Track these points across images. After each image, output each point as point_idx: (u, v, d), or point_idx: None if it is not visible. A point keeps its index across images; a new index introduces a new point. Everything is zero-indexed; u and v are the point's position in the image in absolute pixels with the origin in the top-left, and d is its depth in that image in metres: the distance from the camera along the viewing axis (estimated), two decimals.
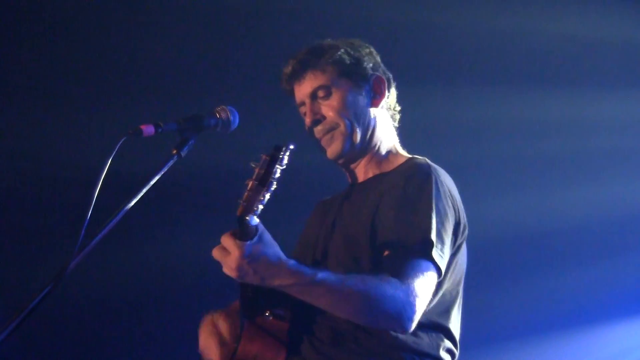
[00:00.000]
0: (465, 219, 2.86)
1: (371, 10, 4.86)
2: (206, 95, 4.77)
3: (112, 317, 4.93)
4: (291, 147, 2.40)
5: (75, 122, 4.83)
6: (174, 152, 2.69)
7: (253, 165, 2.37)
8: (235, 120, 2.87)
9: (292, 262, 2.44)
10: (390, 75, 3.09)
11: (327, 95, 2.96)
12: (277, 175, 2.35)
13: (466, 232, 2.86)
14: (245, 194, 2.36)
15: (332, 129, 2.96)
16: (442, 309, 2.77)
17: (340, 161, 3.02)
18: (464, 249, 2.88)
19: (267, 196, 2.33)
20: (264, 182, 2.32)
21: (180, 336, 4.87)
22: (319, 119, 2.97)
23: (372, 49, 3.07)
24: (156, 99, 4.82)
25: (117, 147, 2.53)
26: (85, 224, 2.44)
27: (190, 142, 2.72)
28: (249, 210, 2.34)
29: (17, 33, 4.75)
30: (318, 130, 2.98)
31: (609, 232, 5.04)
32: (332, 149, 2.98)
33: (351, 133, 2.95)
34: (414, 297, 2.52)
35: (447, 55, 4.99)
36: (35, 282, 2.51)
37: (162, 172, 2.65)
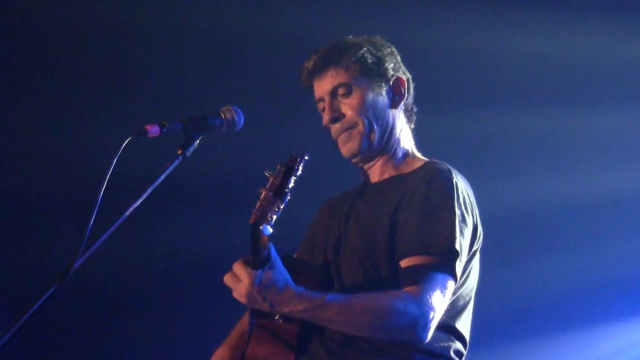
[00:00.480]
0: (480, 224, 2.85)
1: (382, 22, 4.87)
2: (211, 95, 4.78)
3: (117, 317, 4.94)
4: (306, 157, 2.43)
5: (81, 122, 4.83)
6: (179, 152, 2.69)
7: (267, 175, 2.38)
8: (240, 120, 2.86)
9: (300, 288, 2.50)
10: (410, 76, 3.08)
11: (348, 94, 2.94)
12: (292, 185, 2.35)
13: (481, 238, 2.85)
14: (259, 203, 2.37)
15: (350, 127, 2.94)
16: (454, 312, 2.77)
17: (355, 160, 3.01)
18: (478, 255, 2.87)
19: (282, 207, 2.33)
20: (279, 193, 2.34)
21: (184, 335, 4.88)
22: (337, 117, 2.95)
23: (393, 48, 3.06)
24: (161, 99, 4.82)
25: (123, 147, 2.54)
26: (91, 224, 2.44)
27: (195, 142, 2.72)
28: (263, 219, 2.35)
29: (21, 33, 4.76)
30: (336, 128, 2.96)
31: (609, 220, 5.04)
32: (349, 147, 2.96)
33: (369, 133, 2.94)
34: (428, 308, 2.54)
35: (454, 69, 4.99)
36: (40, 282, 2.51)
37: (167, 172, 2.65)
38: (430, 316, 2.55)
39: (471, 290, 2.85)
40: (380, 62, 2.97)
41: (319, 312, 2.52)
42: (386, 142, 2.98)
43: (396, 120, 3.00)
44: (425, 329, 2.55)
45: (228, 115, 2.83)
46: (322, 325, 2.67)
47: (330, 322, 2.56)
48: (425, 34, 4.84)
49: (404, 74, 3.04)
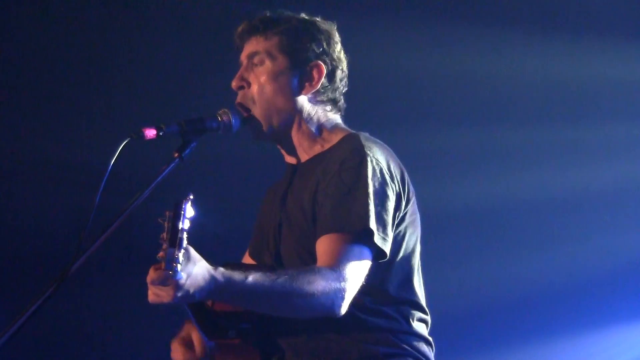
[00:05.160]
0: (409, 185, 2.81)
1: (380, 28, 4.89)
2: (208, 98, 4.78)
3: (112, 320, 4.93)
4: (191, 197, 2.36)
5: (78, 124, 4.83)
6: (176, 155, 2.70)
7: (161, 221, 2.30)
8: (237, 123, 2.87)
9: (219, 270, 2.44)
10: (340, 65, 2.94)
11: (260, 64, 2.89)
12: (187, 226, 2.29)
13: (411, 199, 2.81)
14: (162, 263, 2.30)
15: (252, 102, 2.89)
16: (403, 282, 2.76)
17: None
18: (412, 216, 2.82)
19: (181, 254, 2.27)
20: (173, 242, 2.26)
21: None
22: (242, 86, 2.91)
23: (333, 33, 2.96)
24: (158, 102, 4.83)
25: (120, 149, 2.55)
26: (88, 227, 2.45)
27: (191, 145, 2.73)
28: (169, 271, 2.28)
29: (18, 34, 4.76)
30: (240, 95, 2.92)
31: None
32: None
33: (266, 113, 2.89)
34: (344, 282, 2.52)
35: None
36: (37, 285, 2.52)
37: (164, 175, 2.66)
38: (347, 292, 2.53)
39: (412, 253, 2.81)
40: (301, 43, 2.89)
41: (241, 294, 2.47)
42: (285, 125, 2.90)
43: (303, 105, 2.90)
44: (341, 305, 2.53)
45: (225, 118, 2.83)
46: (284, 328, 2.68)
47: (253, 304, 2.54)
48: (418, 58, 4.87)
49: (330, 63, 2.93)
